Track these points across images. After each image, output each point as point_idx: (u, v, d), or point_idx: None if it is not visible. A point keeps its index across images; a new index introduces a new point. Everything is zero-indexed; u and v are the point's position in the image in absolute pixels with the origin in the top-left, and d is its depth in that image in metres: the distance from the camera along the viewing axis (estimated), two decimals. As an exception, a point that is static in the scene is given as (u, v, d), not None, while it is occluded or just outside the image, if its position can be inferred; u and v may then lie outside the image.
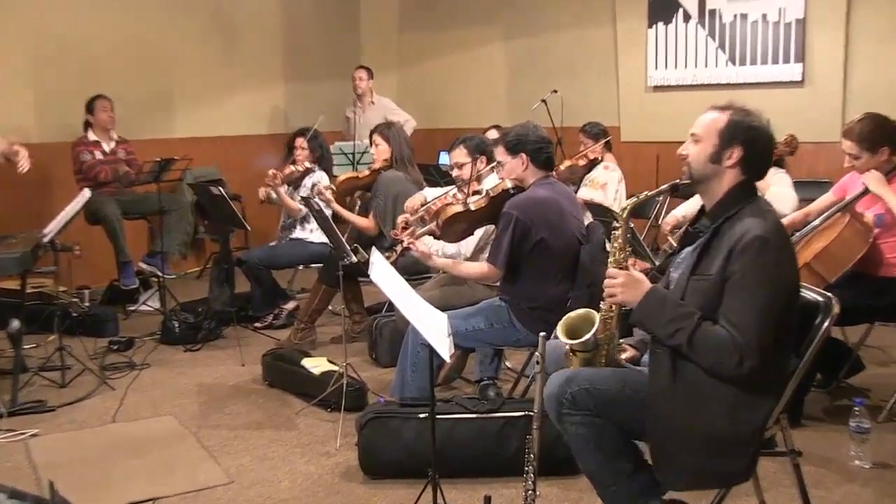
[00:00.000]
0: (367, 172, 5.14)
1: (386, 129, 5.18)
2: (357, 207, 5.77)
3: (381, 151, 5.12)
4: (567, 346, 2.47)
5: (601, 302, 2.44)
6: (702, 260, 2.29)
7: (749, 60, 6.53)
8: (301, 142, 5.56)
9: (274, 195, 5.49)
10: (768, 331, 2.18)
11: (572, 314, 2.51)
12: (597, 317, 2.44)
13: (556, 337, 2.49)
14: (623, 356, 2.54)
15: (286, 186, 5.59)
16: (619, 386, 2.38)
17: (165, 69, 7.30)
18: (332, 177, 5.65)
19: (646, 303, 2.30)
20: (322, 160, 5.60)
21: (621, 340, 2.55)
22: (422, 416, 3.23)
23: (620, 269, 2.36)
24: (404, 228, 4.01)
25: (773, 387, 2.30)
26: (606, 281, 2.36)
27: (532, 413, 2.47)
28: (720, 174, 2.35)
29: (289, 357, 4.39)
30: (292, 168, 5.47)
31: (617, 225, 2.42)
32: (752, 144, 2.33)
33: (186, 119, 7.49)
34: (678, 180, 2.43)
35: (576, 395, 2.35)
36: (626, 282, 2.33)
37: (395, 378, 3.63)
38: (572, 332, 2.47)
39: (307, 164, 5.50)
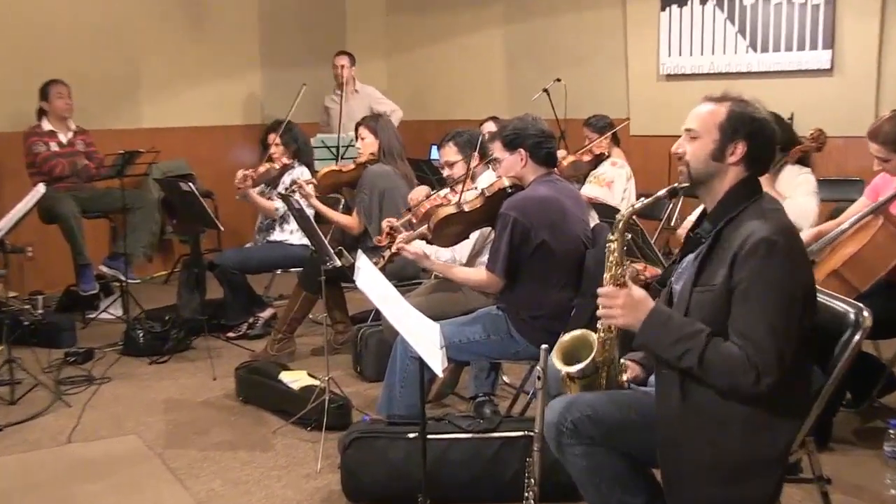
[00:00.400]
0: (351, 166, 5.14)
1: (373, 122, 5.19)
2: (340, 206, 5.76)
3: (367, 145, 5.12)
4: (563, 373, 2.45)
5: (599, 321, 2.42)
6: (704, 269, 2.28)
7: (772, 46, 6.52)
8: (273, 138, 5.54)
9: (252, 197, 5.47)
10: (785, 342, 2.16)
11: (566, 337, 2.51)
12: (594, 339, 2.43)
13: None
14: (626, 377, 2.52)
15: (264, 186, 5.58)
16: (625, 411, 2.37)
17: (130, 52, 7.29)
18: (313, 172, 5.64)
19: (649, 324, 2.28)
20: (301, 154, 5.59)
21: (623, 359, 2.53)
22: (411, 435, 3.21)
23: (618, 286, 2.34)
24: (389, 234, 4.00)
25: (797, 406, 2.29)
26: (602, 300, 2.34)
27: (532, 433, 2.46)
28: (722, 172, 2.34)
29: (265, 370, 4.38)
30: (268, 166, 5.45)
31: (612, 238, 2.40)
32: (756, 138, 2.33)
33: (153, 107, 7.49)
34: (676, 184, 2.41)
35: (577, 423, 2.34)
36: (625, 303, 2.31)
37: (382, 394, 3.62)
38: (569, 357, 2.45)
39: (285, 161, 5.49)
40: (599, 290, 2.36)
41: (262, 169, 5.43)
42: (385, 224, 4.16)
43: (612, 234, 2.40)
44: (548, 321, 3.39)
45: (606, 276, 2.38)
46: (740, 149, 2.33)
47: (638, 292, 2.33)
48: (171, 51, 7.56)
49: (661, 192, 2.42)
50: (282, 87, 8.25)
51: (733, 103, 2.36)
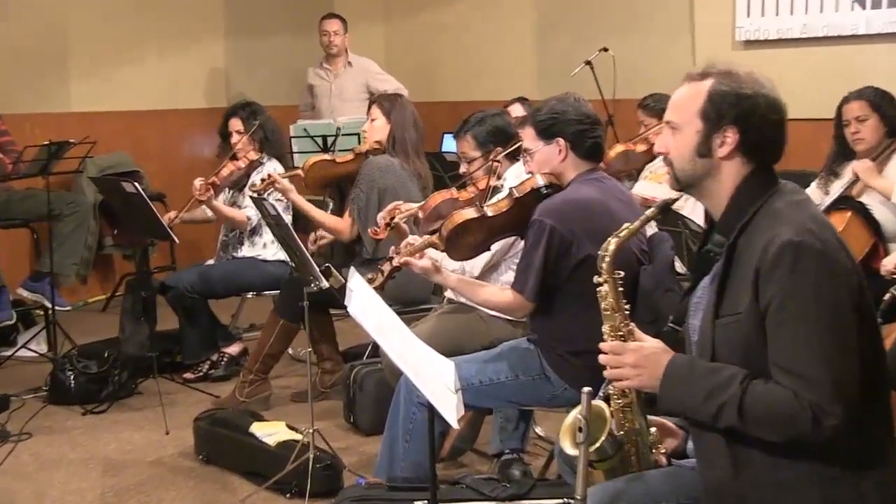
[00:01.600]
0: (349, 156, 5.19)
1: (388, 102, 5.22)
2: (329, 209, 5.82)
3: (375, 129, 5.15)
4: None
5: (610, 383, 2.44)
6: (724, 294, 2.31)
7: (886, 1, 6.44)
8: (236, 123, 5.62)
9: (209, 212, 5.53)
10: (842, 368, 2.18)
11: (572, 414, 2.48)
12: (608, 411, 2.45)
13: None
14: (663, 448, 2.54)
15: (227, 191, 5.64)
16: (671, 495, 2.41)
17: (53, 16, 7.32)
18: (289, 168, 5.69)
19: (670, 381, 2.32)
20: (268, 145, 5.65)
21: (652, 423, 2.54)
22: (419, 503, 3.26)
23: (620, 339, 2.40)
24: (387, 225, 4.03)
25: (880, 445, 2.30)
26: (607, 359, 2.40)
27: (573, 500, 2.51)
28: (715, 170, 2.38)
29: (233, 422, 4.44)
30: (232, 166, 5.50)
31: (601, 279, 2.46)
32: (748, 120, 2.34)
33: (85, 86, 7.56)
34: (669, 198, 2.48)
35: None
36: (636, 359, 2.36)
37: (382, 451, 3.67)
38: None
39: (252, 156, 5.55)
40: (602, 346, 2.42)
41: (224, 171, 5.48)
42: (385, 213, 4.18)
43: (600, 275, 2.47)
44: (592, 357, 3.38)
45: (605, 327, 2.45)
46: (730, 137, 2.35)
47: (650, 344, 2.39)
48: (108, 13, 7.63)
49: (651, 211, 2.48)
50: (252, 61, 8.33)
51: (716, 80, 2.37)
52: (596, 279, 2.49)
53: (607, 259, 2.47)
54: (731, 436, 2.28)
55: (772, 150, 2.39)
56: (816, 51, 6.63)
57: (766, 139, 2.37)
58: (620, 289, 2.49)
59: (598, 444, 2.42)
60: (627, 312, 2.48)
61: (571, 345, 3.48)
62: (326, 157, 5.30)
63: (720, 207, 2.40)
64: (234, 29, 8.37)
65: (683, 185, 2.43)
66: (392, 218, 4.10)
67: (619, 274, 2.50)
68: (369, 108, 5.28)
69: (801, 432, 2.19)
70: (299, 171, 5.21)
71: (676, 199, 2.51)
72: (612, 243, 2.48)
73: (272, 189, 5.10)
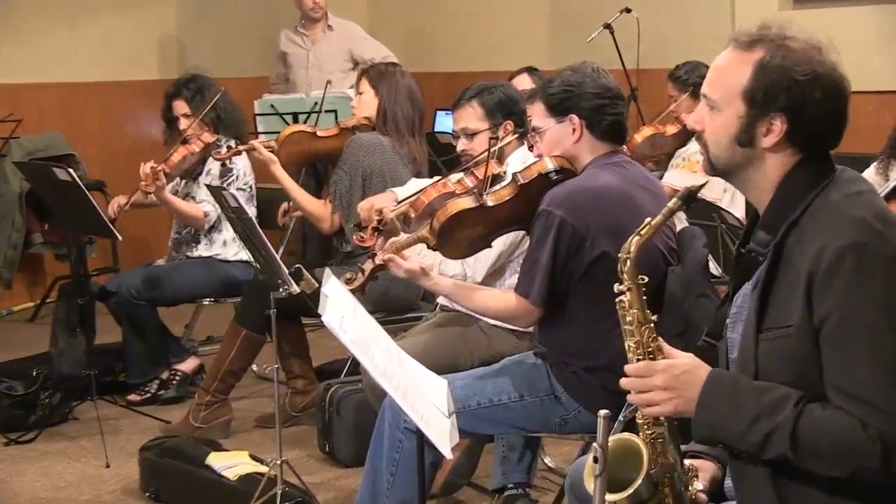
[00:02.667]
0: (332, 130, 5.22)
1: (376, 74, 5.23)
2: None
3: (363, 104, 5.18)
4: None
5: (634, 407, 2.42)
6: (769, 302, 2.31)
7: None
8: (181, 106, 5.63)
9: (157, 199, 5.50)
10: None
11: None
12: (642, 445, 2.44)
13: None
14: (700, 485, 2.51)
15: (178, 181, 5.65)
16: None
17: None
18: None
19: (708, 403, 2.31)
20: (223, 124, 5.66)
21: (686, 455, 2.54)
22: (406, 548, 3.28)
23: (649, 357, 2.39)
24: (375, 230, 4.05)
25: None
26: (632, 383, 2.38)
27: (588, 542, 2.52)
28: (758, 160, 2.38)
29: (186, 452, 4.44)
30: (183, 151, 5.50)
31: (622, 287, 2.44)
32: (802, 108, 2.30)
33: (9, 54, 7.54)
34: (691, 185, 2.44)
35: None
36: (667, 380, 2.35)
37: (363, 486, 3.67)
38: (610, 479, 2.37)
39: (205, 138, 5.56)
40: (627, 369, 2.40)
41: (175, 157, 5.48)
42: (365, 205, 4.20)
43: (621, 283, 2.44)
44: (609, 375, 3.41)
45: (629, 344, 2.42)
46: (777, 126, 2.32)
47: (683, 359, 2.38)
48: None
49: (674, 202, 2.44)
50: (211, 23, 8.32)
51: (766, 52, 2.32)
52: (617, 287, 2.46)
53: (629, 262, 2.44)
54: (778, 471, 2.28)
55: (827, 138, 2.37)
56: (881, 10, 6.60)
57: (820, 129, 2.35)
58: (645, 297, 2.46)
59: (633, 489, 2.39)
60: (654, 325, 2.45)
61: (586, 360, 3.50)
62: (306, 128, 5.26)
63: (764, 200, 2.40)
64: (188, -15, 8.41)
65: (719, 171, 2.44)
66: (380, 220, 4.09)
67: (642, 280, 2.48)
68: (358, 79, 5.30)
69: (865, 466, 2.18)
70: (272, 143, 5.19)
71: (703, 186, 2.46)
72: (633, 243, 2.44)
73: (254, 154, 5.09)
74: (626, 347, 2.44)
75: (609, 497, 2.35)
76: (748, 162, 2.38)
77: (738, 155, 2.38)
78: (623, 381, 2.40)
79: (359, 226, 4.21)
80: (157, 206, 5.76)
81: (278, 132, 6.36)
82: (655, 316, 2.47)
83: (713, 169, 2.44)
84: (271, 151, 5.13)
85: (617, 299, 2.46)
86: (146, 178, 5.31)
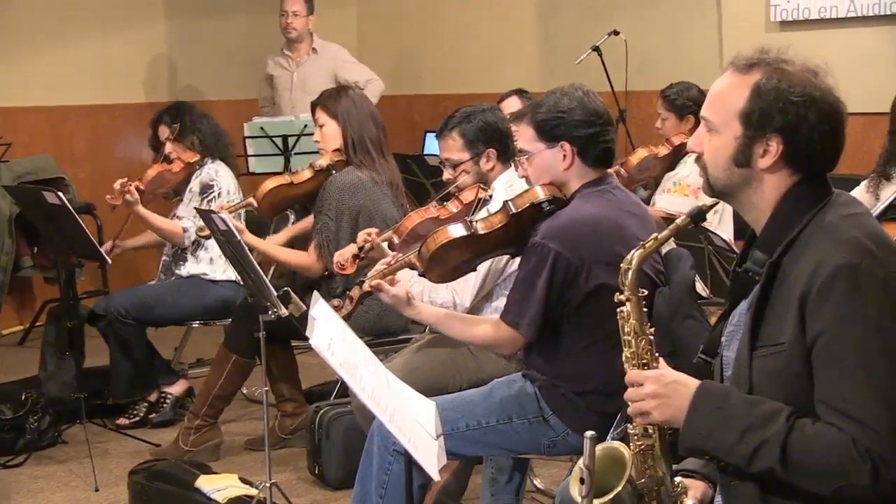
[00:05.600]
0: (306, 175, 5.12)
1: (332, 100, 5.13)
2: (290, 221, 5.82)
3: (327, 136, 5.11)
4: None
5: (625, 424, 2.46)
6: (764, 320, 2.34)
7: None
8: (164, 131, 5.65)
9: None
10: None
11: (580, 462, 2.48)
12: (626, 453, 2.47)
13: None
14: (689, 502, 2.53)
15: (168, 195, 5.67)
16: None
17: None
18: (244, 174, 5.71)
19: (698, 414, 2.33)
20: (205, 146, 5.66)
21: (677, 473, 2.55)
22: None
23: (642, 366, 2.43)
24: (356, 258, 4.04)
25: None
26: (628, 392, 2.42)
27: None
28: (756, 181, 2.41)
29: (175, 475, 4.44)
30: (160, 168, 5.53)
31: (622, 297, 2.48)
32: (798, 131, 2.34)
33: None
34: (704, 204, 2.49)
35: None
36: (657, 390, 2.38)
37: (352, 508, 3.71)
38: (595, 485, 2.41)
39: (187, 157, 5.58)
40: (626, 379, 2.43)
41: (150, 173, 5.52)
42: (360, 241, 4.17)
43: (622, 293, 2.48)
44: (599, 398, 3.46)
45: (626, 354, 2.47)
46: (774, 147, 2.36)
47: (672, 373, 2.40)
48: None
49: (682, 220, 2.48)
50: (200, 46, 8.32)
51: (763, 74, 2.37)
52: (617, 297, 2.50)
53: (630, 273, 2.49)
54: (767, 488, 2.29)
55: (823, 160, 2.40)
56: (866, 32, 6.64)
57: (816, 151, 2.37)
58: (645, 310, 2.50)
59: (614, 494, 2.42)
60: (652, 338, 2.49)
61: (577, 383, 3.52)
62: (282, 181, 5.12)
63: (761, 221, 2.43)
64: (176, 7, 8.39)
65: (717, 193, 2.46)
66: (361, 248, 4.10)
67: (643, 292, 2.52)
68: (313, 112, 5.21)
69: (854, 484, 2.19)
70: (252, 201, 5.07)
71: (713, 206, 2.52)
72: (636, 255, 2.49)
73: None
74: (623, 357, 2.49)
75: (595, 500, 2.38)
76: (746, 183, 2.41)
77: (735, 176, 2.41)
78: (626, 393, 2.43)
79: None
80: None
81: (267, 154, 6.42)
82: (653, 329, 2.51)
83: (712, 190, 2.47)
84: (252, 209, 5.09)
85: (618, 309, 2.50)
86: (118, 191, 5.32)
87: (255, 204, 5.07)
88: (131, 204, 5.36)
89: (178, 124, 5.57)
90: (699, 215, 2.47)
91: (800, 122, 2.34)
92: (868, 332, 2.20)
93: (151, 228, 5.59)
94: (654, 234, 2.50)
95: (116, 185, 5.35)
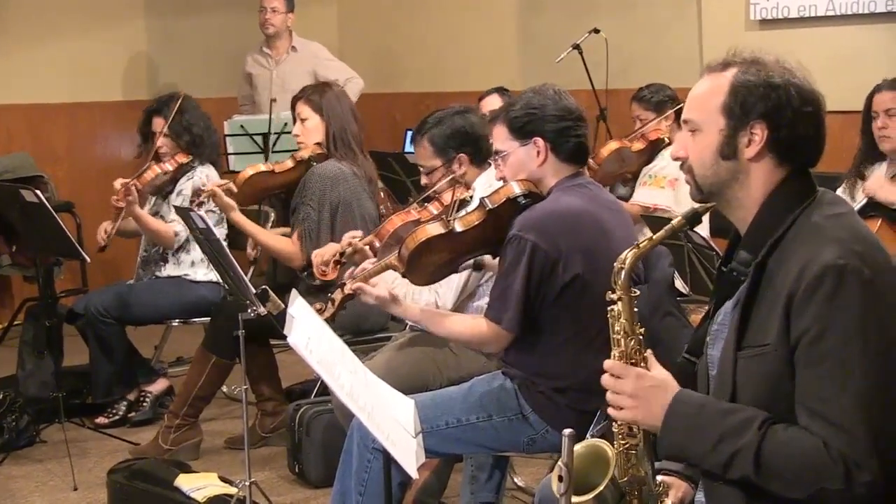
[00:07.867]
0: (288, 164, 5.19)
1: (316, 95, 5.21)
2: (269, 223, 5.83)
3: (308, 131, 5.16)
4: None
5: (605, 422, 2.48)
6: (749, 321, 2.35)
7: None
8: (159, 124, 5.62)
9: (132, 222, 5.49)
10: (883, 417, 2.21)
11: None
12: (611, 453, 2.48)
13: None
14: (669, 502, 2.55)
15: (150, 199, 5.66)
16: None
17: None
18: (225, 173, 5.71)
19: (674, 421, 2.34)
20: (198, 147, 5.67)
21: (659, 472, 2.57)
22: (375, 568, 3.30)
23: (631, 363, 2.44)
24: (338, 263, 4.05)
25: None
26: (606, 380, 2.43)
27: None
28: (743, 174, 2.41)
29: (154, 474, 4.43)
30: (157, 169, 5.53)
31: (614, 296, 2.49)
32: (780, 113, 2.37)
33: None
34: (702, 206, 2.50)
35: None
36: (635, 388, 2.39)
37: (332, 506, 3.71)
38: (578, 483, 2.43)
39: (179, 159, 5.58)
40: (606, 364, 2.44)
41: (148, 174, 5.50)
42: (343, 244, 4.19)
43: (614, 292, 2.49)
44: (579, 395, 3.47)
45: (614, 352, 2.47)
46: (759, 133, 2.38)
47: (656, 374, 2.41)
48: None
49: (678, 221, 2.49)
50: (179, 44, 8.31)
51: (739, 69, 2.41)
52: (609, 295, 2.51)
53: (623, 272, 2.49)
54: (749, 490, 2.30)
55: (807, 149, 2.42)
56: (845, 31, 6.67)
57: (800, 136, 2.39)
58: (636, 309, 2.51)
59: (597, 491, 2.43)
60: (641, 338, 2.50)
61: (555, 380, 3.52)
62: (263, 168, 5.20)
63: (747, 219, 2.44)
64: (156, 5, 8.37)
65: (706, 193, 2.47)
66: (342, 253, 4.11)
67: (635, 292, 2.53)
68: (293, 106, 5.25)
69: (828, 489, 2.21)
70: (231, 185, 5.10)
71: (710, 208, 2.51)
72: (629, 255, 2.49)
73: (210, 201, 5.09)
74: (612, 356, 2.49)
75: (574, 499, 2.39)
76: (733, 178, 2.42)
77: (723, 170, 2.42)
78: (604, 379, 2.44)
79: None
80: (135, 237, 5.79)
81: (247, 152, 6.42)
82: (643, 329, 2.52)
83: (700, 192, 2.48)
84: (230, 193, 5.07)
85: (609, 307, 2.51)
86: (120, 191, 5.30)
87: (234, 189, 5.09)
88: (132, 204, 5.36)
89: (175, 120, 5.56)
90: (695, 217, 2.48)
91: (783, 105, 2.37)
92: (850, 334, 2.21)
93: (144, 229, 5.56)
94: (649, 235, 2.51)
95: (117, 185, 5.34)
